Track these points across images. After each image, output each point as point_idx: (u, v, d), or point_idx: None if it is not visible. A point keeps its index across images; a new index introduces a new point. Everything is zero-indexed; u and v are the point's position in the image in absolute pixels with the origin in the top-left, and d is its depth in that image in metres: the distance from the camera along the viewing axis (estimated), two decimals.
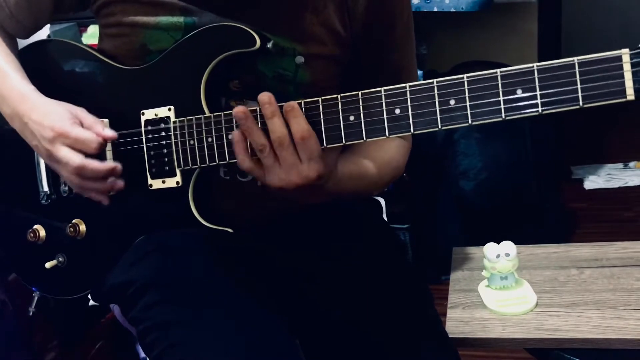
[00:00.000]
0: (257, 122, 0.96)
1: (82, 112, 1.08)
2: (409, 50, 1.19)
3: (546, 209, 2.58)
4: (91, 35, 2.20)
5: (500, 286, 1.27)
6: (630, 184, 3.10)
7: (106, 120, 1.11)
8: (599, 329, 1.15)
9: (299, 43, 1.08)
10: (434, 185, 2.51)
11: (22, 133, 1.11)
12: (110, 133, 1.07)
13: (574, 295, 1.25)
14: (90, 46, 1.17)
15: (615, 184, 3.12)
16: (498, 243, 1.29)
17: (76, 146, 1.04)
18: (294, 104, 0.94)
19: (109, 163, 1.06)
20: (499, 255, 1.27)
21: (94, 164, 1.04)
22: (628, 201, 2.95)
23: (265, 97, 0.94)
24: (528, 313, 1.22)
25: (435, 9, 2.54)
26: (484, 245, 1.30)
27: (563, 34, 3.88)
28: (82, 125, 1.07)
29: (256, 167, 0.97)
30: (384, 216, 1.34)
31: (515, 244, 1.29)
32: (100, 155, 1.07)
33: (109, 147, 1.10)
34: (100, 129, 1.06)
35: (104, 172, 1.05)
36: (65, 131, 1.04)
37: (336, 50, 1.11)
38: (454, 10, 2.52)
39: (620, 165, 3.27)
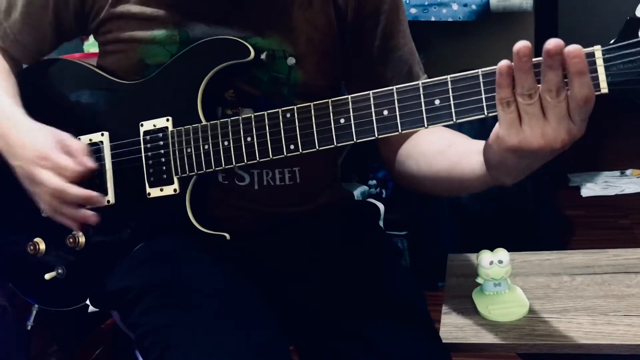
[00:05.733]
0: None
1: (68, 138, 1.08)
2: (406, 32, 1.18)
3: (543, 216, 2.58)
4: (92, 44, 2.22)
5: (494, 292, 1.29)
6: (627, 191, 3.08)
7: (106, 133, 1.13)
8: (589, 334, 1.16)
9: (288, 43, 1.10)
10: None
11: (6, 154, 1.11)
12: (90, 163, 1.06)
13: (565, 302, 1.26)
14: (91, 64, 1.20)
15: (611, 191, 3.10)
16: (494, 250, 1.31)
17: (55, 171, 1.04)
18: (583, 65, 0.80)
19: (89, 191, 1.06)
20: (492, 262, 1.28)
21: (74, 189, 1.05)
22: (624, 209, 2.94)
23: (554, 45, 0.78)
24: (521, 319, 1.23)
25: (433, 19, 2.56)
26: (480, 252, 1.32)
27: None
28: (67, 151, 1.06)
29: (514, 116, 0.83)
30: (381, 222, 1.35)
31: (512, 251, 1.31)
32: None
33: (108, 157, 1.13)
34: (82, 157, 1.06)
35: (82, 198, 1.06)
36: (46, 154, 1.05)
37: (325, 45, 1.13)
38: (452, 20, 2.54)
39: (617, 172, 3.25)
